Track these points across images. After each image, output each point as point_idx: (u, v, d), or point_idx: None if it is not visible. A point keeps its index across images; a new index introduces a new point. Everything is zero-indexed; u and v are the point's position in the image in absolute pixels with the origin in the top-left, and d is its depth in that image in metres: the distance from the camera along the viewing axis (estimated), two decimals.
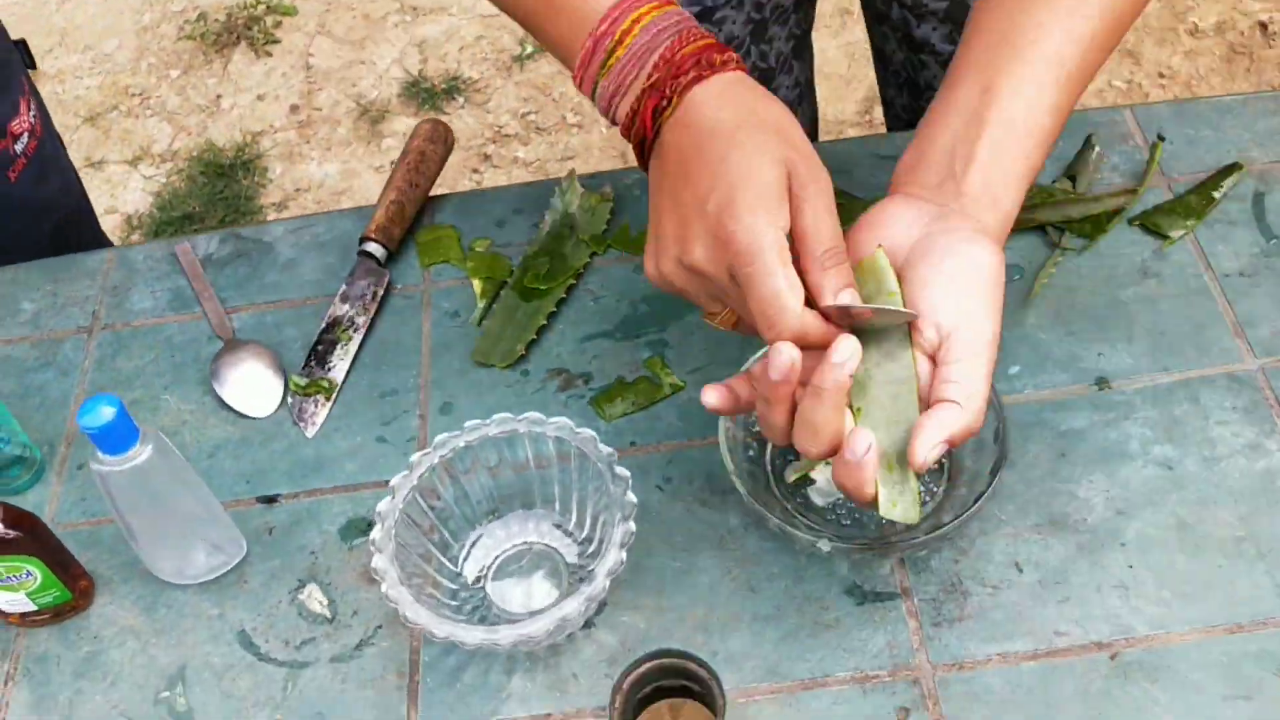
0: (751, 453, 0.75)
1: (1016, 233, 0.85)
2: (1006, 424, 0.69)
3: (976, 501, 0.67)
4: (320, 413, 0.82)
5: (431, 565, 0.71)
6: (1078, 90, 0.64)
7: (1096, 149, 0.88)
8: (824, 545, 0.69)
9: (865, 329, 0.62)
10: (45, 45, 2.42)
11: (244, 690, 0.71)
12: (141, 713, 0.70)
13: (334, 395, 0.83)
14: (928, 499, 0.73)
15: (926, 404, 0.60)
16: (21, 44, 1.09)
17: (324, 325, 0.86)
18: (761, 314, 0.59)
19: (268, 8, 2.41)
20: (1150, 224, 0.84)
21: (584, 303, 0.87)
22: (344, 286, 0.88)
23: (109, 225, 2.11)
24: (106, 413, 0.65)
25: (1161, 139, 0.89)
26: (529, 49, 2.27)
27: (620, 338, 0.84)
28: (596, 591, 0.65)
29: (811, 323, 0.59)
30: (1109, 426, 0.75)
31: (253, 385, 0.84)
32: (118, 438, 0.66)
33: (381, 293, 0.88)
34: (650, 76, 0.64)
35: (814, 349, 0.59)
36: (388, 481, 0.77)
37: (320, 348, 0.85)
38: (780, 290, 0.58)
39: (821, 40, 2.19)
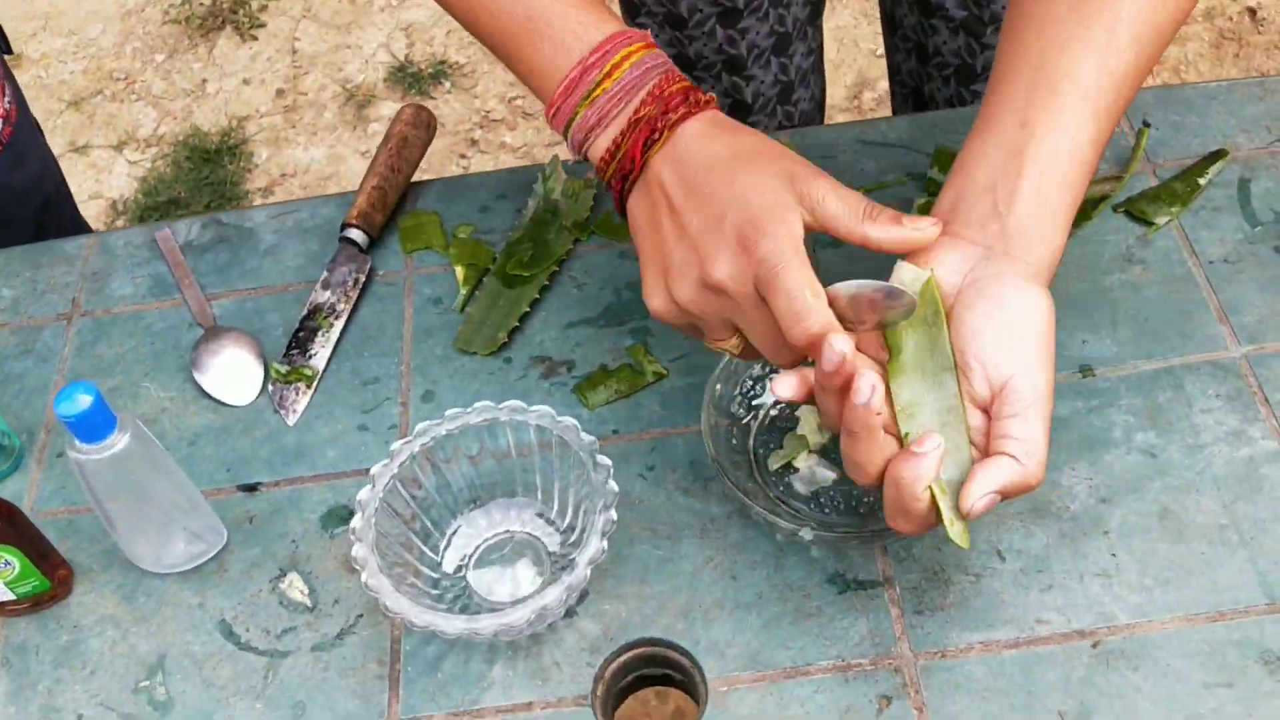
0: (734, 441, 0.75)
1: None
2: None
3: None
4: (301, 401, 0.82)
5: (412, 554, 0.71)
6: (1113, 122, 0.63)
7: None
8: (806, 534, 0.68)
9: (898, 342, 0.62)
10: (28, 30, 2.40)
11: (224, 679, 0.70)
12: (121, 702, 0.70)
13: (315, 383, 0.83)
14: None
15: (983, 454, 0.60)
16: None
17: (305, 312, 0.86)
18: (789, 312, 0.59)
19: None
20: (1135, 211, 0.84)
21: (567, 290, 0.86)
22: (325, 273, 0.87)
23: (93, 211, 2.10)
24: (83, 400, 0.64)
25: (1147, 125, 0.88)
26: None
27: (603, 325, 0.84)
28: (578, 580, 0.64)
29: (836, 324, 0.59)
30: (1092, 414, 0.75)
31: (233, 373, 0.83)
32: (95, 425, 0.65)
33: (363, 279, 0.87)
34: (638, 111, 0.65)
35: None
36: (369, 470, 0.77)
37: (301, 335, 0.85)
38: (806, 285, 0.59)
39: None
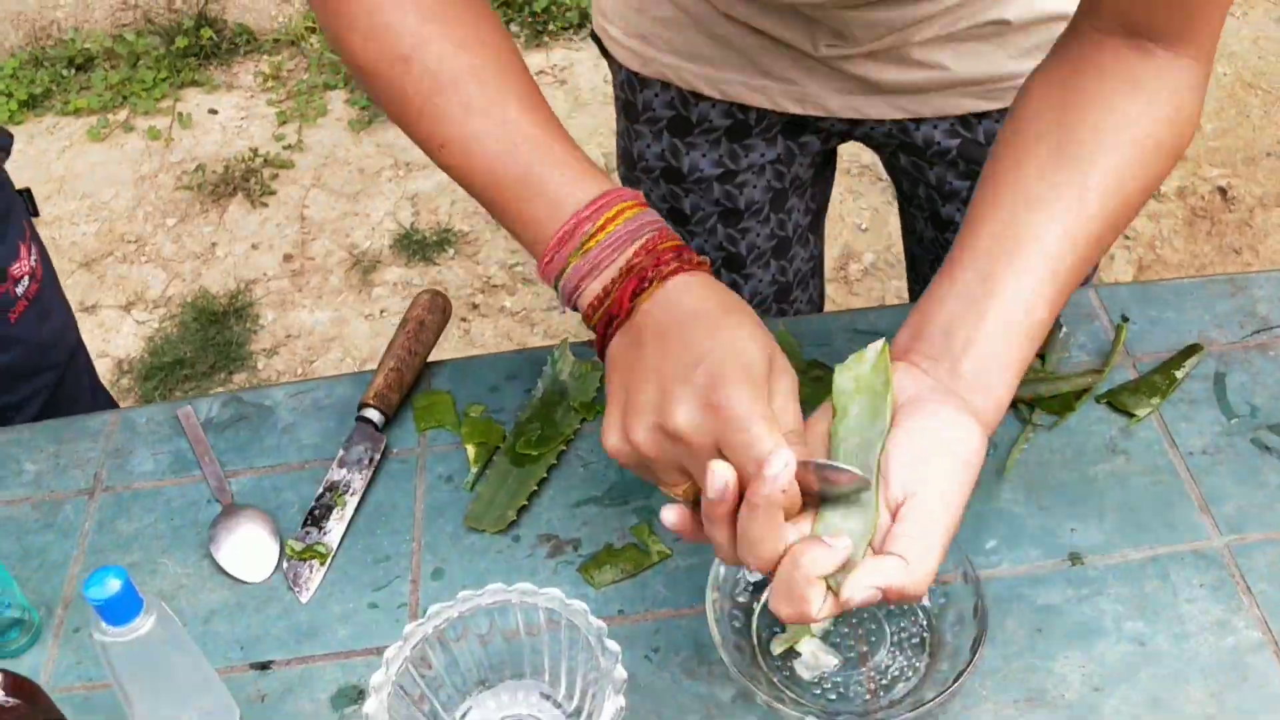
0: (737, 624, 0.77)
1: None
2: (985, 599, 0.72)
3: (959, 678, 0.69)
4: (315, 578, 0.84)
5: None
6: (1072, 286, 0.68)
7: (1064, 328, 0.93)
8: None
9: (844, 405, 0.66)
10: (44, 192, 2.48)
11: None
12: None
13: (329, 560, 0.85)
14: (910, 674, 0.75)
15: (876, 553, 0.62)
16: (26, 192, 1.14)
17: (321, 490, 0.89)
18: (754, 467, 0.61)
19: (265, 160, 2.49)
20: (1117, 403, 0.88)
21: (574, 468, 0.89)
22: (342, 451, 0.91)
23: (100, 369, 2.14)
24: (113, 585, 0.66)
25: (1126, 320, 0.93)
26: None
27: (609, 504, 0.87)
28: None
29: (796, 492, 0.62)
30: (1083, 602, 0.77)
31: (249, 549, 0.86)
32: (123, 609, 0.67)
33: (378, 458, 0.90)
34: (630, 261, 0.68)
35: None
36: (379, 649, 0.79)
37: (317, 512, 0.87)
38: (769, 445, 0.61)
39: None
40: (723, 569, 0.77)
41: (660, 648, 0.78)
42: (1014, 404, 0.89)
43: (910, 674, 0.75)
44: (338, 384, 0.98)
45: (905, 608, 0.78)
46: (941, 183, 1.06)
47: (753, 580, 0.79)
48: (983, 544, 0.81)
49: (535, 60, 2.68)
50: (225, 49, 2.79)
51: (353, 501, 0.88)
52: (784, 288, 1.16)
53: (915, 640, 0.76)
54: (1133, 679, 0.74)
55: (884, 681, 0.75)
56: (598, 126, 2.49)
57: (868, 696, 0.74)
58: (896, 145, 1.06)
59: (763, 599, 0.79)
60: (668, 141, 1.08)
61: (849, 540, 0.61)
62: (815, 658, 0.76)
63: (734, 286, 1.14)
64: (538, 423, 0.91)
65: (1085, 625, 0.76)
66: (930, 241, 1.13)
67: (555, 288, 0.71)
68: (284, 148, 2.54)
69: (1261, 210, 2.31)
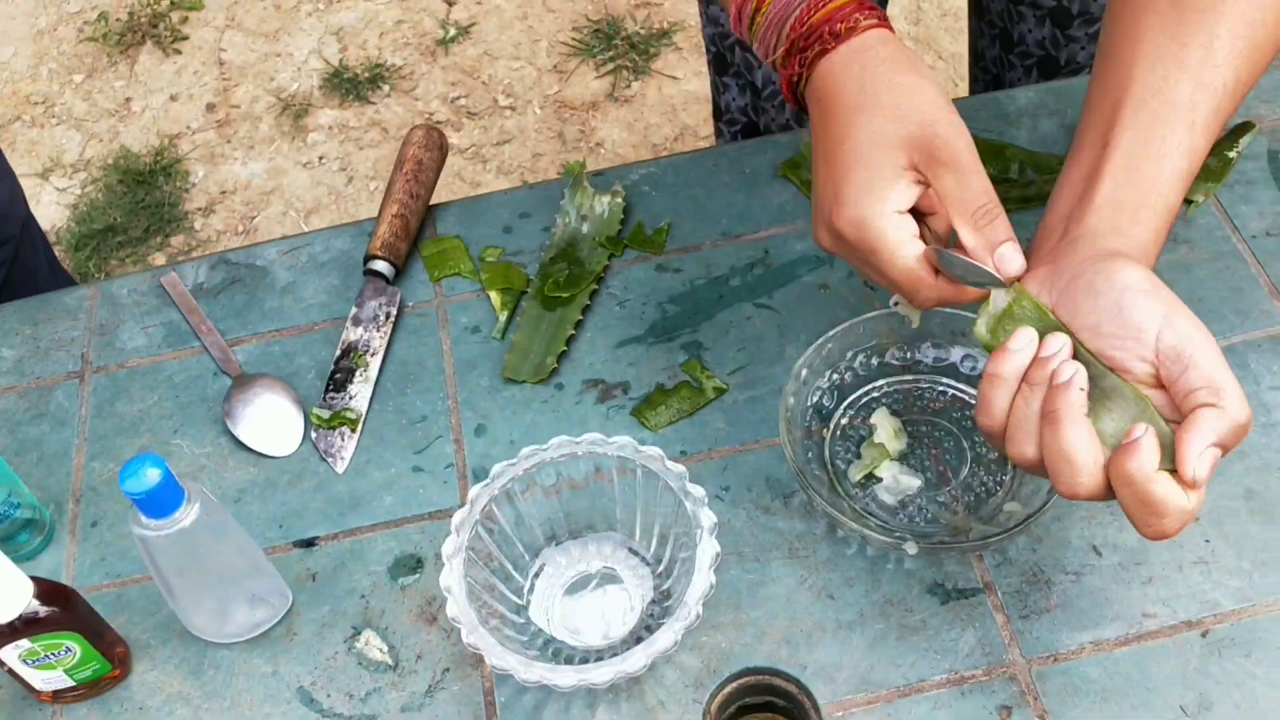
0: (810, 454, 0.73)
1: (1039, 206, 0.84)
2: None
3: (1052, 492, 0.66)
4: (348, 446, 0.78)
5: (500, 601, 0.68)
6: (1211, 134, 0.62)
7: None
8: (910, 548, 0.67)
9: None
10: None
11: None
12: None
13: (360, 426, 0.79)
14: (997, 489, 0.72)
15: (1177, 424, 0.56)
16: None
17: (339, 352, 0.82)
18: (901, 291, 0.62)
19: (172, 3, 2.30)
20: None
21: (609, 308, 0.83)
22: (354, 309, 0.83)
23: None
24: (151, 475, 0.60)
25: None
26: (452, 32, 2.21)
27: (653, 342, 0.81)
28: (691, 620, 0.62)
29: (945, 287, 0.61)
30: None
31: (271, 422, 0.79)
32: (164, 500, 0.61)
33: (395, 312, 0.83)
34: (785, 44, 0.64)
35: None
36: (432, 514, 0.74)
37: (338, 376, 0.81)
38: (906, 272, 0.61)
39: None
40: (791, 398, 0.72)
41: (730, 486, 0.74)
42: None
43: (996, 489, 0.72)
44: (333, 236, 0.90)
45: None
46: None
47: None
48: None
49: None
50: None
51: (375, 362, 0.81)
52: None
53: (996, 454, 0.73)
54: (1225, 472, 0.71)
55: (970, 500, 0.72)
56: None
57: (957, 516, 0.71)
58: None
59: (832, 425, 0.75)
60: None
61: (1143, 423, 0.55)
62: (897, 481, 0.72)
63: None
64: (563, 262, 0.85)
65: None
66: (999, 14, 1.07)
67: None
68: None
69: None
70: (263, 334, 0.84)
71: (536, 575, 0.71)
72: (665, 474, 0.67)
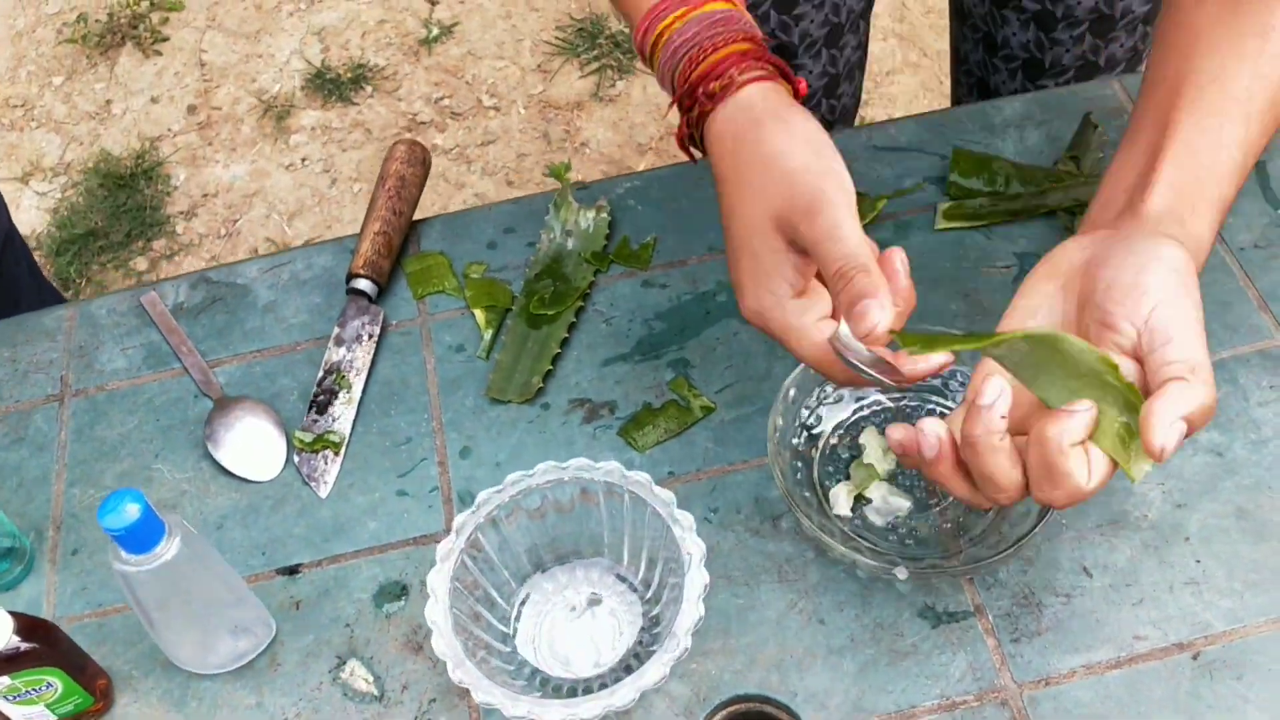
0: (799, 475, 0.73)
1: (1026, 220, 0.84)
2: None
3: (1045, 513, 0.66)
4: (331, 469, 0.77)
5: (481, 626, 0.67)
6: (1267, 130, 0.62)
7: (1098, 126, 0.87)
8: (900, 573, 0.66)
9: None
10: None
11: None
12: None
13: (343, 449, 0.78)
14: (985, 511, 0.71)
15: (1147, 394, 0.55)
16: None
17: (321, 373, 0.81)
18: (818, 372, 0.62)
19: (152, 4, 2.28)
20: None
21: (595, 325, 0.83)
22: (337, 329, 0.82)
23: None
24: (131, 511, 0.59)
25: None
26: (435, 31, 2.19)
27: (640, 360, 0.80)
28: (681, 651, 0.61)
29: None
30: None
31: (252, 446, 0.78)
32: (144, 536, 0.60)
33: (378, 332, 0.82)
34: (675, 97, 0.66)
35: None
36: (417, 539, 0.73)
37: (320, 398, 0.80)
38: (815, 360, 0.60)
39: None
40: (780, 418, 0.72)
41: (719, 508, 0.73)
42: (1053, 212, 0.84)
43: (985, 511, 0.71)
44: (315, 253, 0.89)
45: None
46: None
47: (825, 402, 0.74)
48: None
49: None
50: None
51: (359, 382, 0.80)
52: (833, 80, 1.09)
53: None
54: (1215, 492, 0.71)
55: (960, 520, 0.71)
56: None
57: (946, 538, 0.70)
58: None
59: (820, 446, 0.74)
60: None
61: (1090, 404, 0.54)
62: (886, 501, 0.72)
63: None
64: (549, 278, 0.84)
65: None
66: (982, 18, 1.06)
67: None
68: None
69: None
70: (244, 355, 0.83)
71: (523, 603, 0.70)
72: (653, 500, 0.66)
